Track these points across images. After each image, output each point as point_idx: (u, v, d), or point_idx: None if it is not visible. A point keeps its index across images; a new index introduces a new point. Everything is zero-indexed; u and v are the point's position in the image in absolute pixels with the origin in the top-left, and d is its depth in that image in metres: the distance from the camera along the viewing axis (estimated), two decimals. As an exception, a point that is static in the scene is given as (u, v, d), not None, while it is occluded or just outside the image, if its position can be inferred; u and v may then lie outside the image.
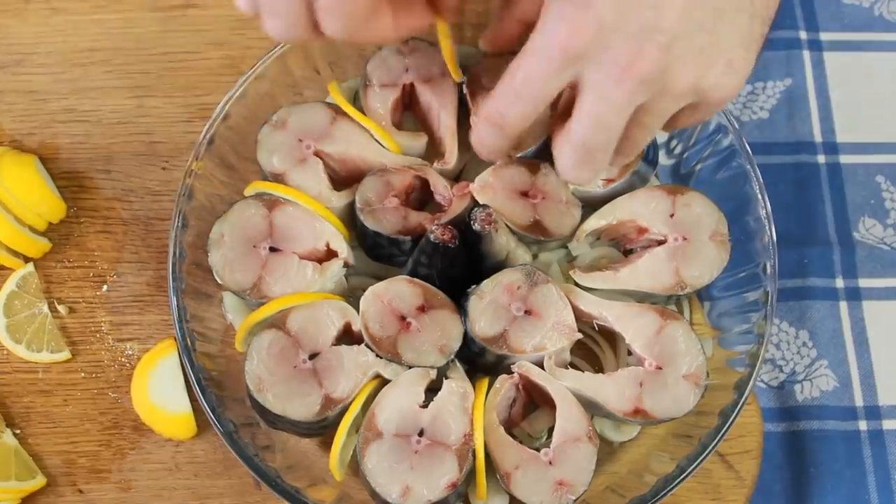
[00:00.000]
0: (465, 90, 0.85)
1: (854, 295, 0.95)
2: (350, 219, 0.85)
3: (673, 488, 0.77)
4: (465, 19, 0.92)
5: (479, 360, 0.81)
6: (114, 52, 0.98)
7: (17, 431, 0.88)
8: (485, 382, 0.80)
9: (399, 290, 0.80)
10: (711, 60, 0.67)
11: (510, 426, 0.82)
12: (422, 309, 0.80)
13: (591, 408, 0.80)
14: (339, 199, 0.85)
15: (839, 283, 0.96)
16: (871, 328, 0.94)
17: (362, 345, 0.79)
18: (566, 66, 0.66)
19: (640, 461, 0.83)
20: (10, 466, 0.85)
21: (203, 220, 0.84)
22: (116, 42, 0.99)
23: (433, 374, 0.79)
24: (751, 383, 0.79)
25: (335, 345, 0.79)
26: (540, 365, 0.80)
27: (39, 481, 0.86)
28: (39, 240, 0.92)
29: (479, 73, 0.87)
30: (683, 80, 0.66)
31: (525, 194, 0.84)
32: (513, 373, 0.80)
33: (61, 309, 0.91)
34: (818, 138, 1.01)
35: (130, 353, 0.90)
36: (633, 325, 0.81)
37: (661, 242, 0.83)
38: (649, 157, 0.86)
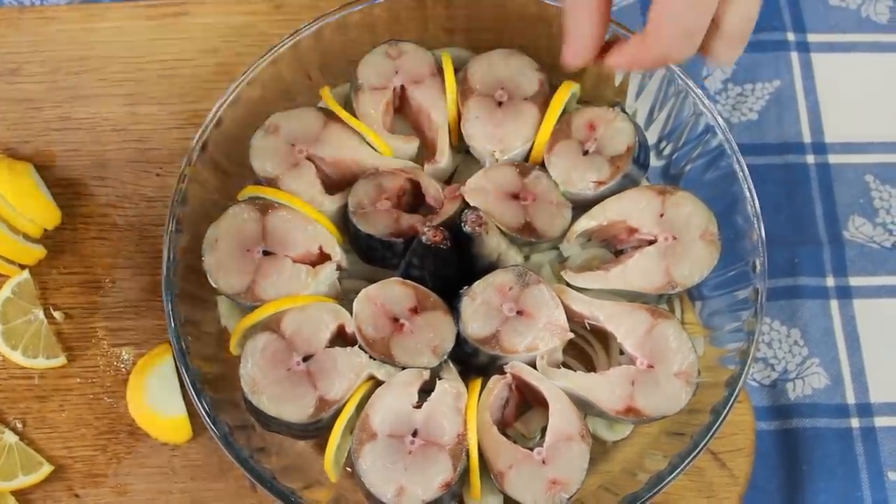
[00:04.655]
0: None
1: (845, 293, 0.96)
2: (343, 222, 0.85)
3: (666, 485, 0.78)
4: (454, 24, 0.93)
5: (472, 361, 0.82)
6: (107, 60, 0.99)
7: (19, 426, 0.88)
8: (478, 383, 0.81)
9: (392, 292, 0.81)
10: None
11: (504, 426, 0.82)
12: (415, 310, 0.81)
13: (584, 407, 0.81)
14: (332, 203, 0.85)
15: (830, 281, 0.96)
16: (862, 326, 0.95)
17: (356, 346, 0.80)
18: None
19: (633, 459, 0.84)
20: (15, 465, 0.86)
21: (197, 225, 0.84)
22: (109, 50, 0.99)
23: (426, 374, 0.79)
24: (741, 380, 0.80)
25: (329, 347, 0.80)
26: (532, 365, 0.81)
27: (46, 469, 0.87)
28: (34, 247, 0.92)
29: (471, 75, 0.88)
30: None
31: (516, 196, 0.85)
32: (506, 373, 0.80)
33: (57, 315, 0.91)
34: (807, 139, 1.01)
35: (126, 357, 0.90)
36: (624, 323, 0.81)
37: (651, 242, 0.84)
38: (640, 160, 0.87)
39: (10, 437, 0.88)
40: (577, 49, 0.75)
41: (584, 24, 0.74)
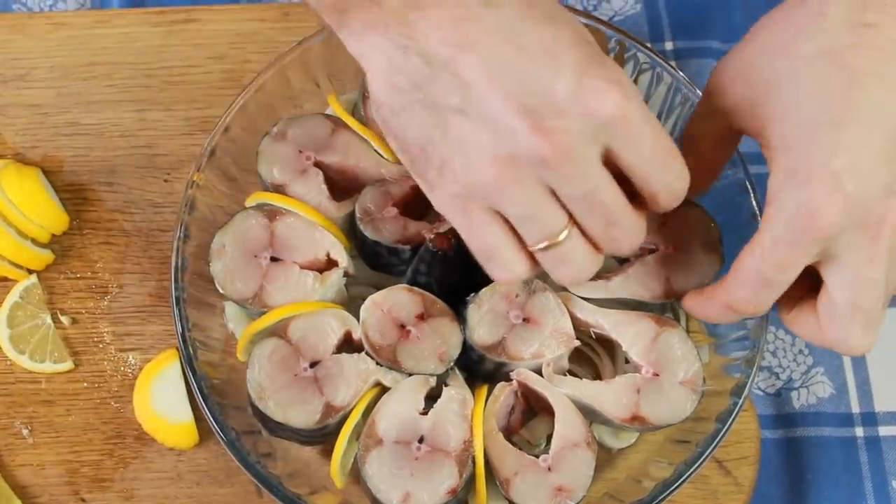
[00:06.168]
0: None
1: (849, 302, 0.96)
2: (350, 229, 0.86)
3: (671, 493, 0.78)
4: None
5: (478, 368, 0.82)
6: (115, 67, 0.99)
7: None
8: (484, 390, 0.81)
9: (398, 299, 0.81)
10: None
11: (509, 433, 0.82)
12: (421, 317, 0.81)
13: (590, 414, 0.81)
14: (339, 210, 0.85)
15: (834, 290, 0.96)
16: (867, 335, 0.95)
17: (362, 353, 0.80)
18: (819, 245, 0.65)
19: (638, 467, 0.84)
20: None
21: (205, 230, 0.85)
22: (118, 56, 1.00)
23: (433, 381, 0.80)
24: (747, 388, 0.80)
25: (336, 353, 0.80)
26: (538, 372, 0.81)
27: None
28: (42, 252, 0.93)
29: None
30: None
31: (523, 204, 0.85)
32: (511, 380, 0.81)
33: (64, 320, 0.92)
34: (812, 147, 1.01)
35: (133, 362, 0.91)
36: (629, 332, 0.81)
37: (652, 251, 0.84)
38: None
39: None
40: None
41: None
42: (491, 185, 0.63)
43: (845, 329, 0.68)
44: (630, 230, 0.66)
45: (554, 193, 0.63)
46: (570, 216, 0.65)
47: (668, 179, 0.66)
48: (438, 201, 0.67)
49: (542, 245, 0.65)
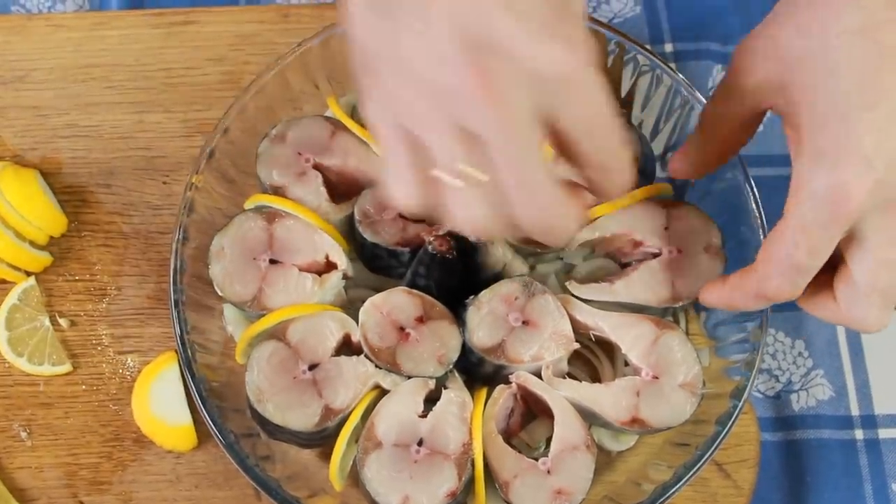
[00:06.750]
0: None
1: (849, 305, 0.96)
2: (349, 231, 0.86)
3: (670, 496, 0.78)
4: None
5: (477, 371, 0.82)
6: (114, 68, 0.99)
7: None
8: (483, 392, 0.81)
9: (398, 302, 0.81)
10: None
11: (509, 436, 0.82)
12: (420, 320, 0.81)
13: (589, 417, 0.81)
14: (338, 212, 0.85)
15: (834, 293, 0.96)
16: (867, 338, 0.95)
17: (362, 355, 0.80)
18: (847, 226, 0.65)
19: (637, 470, 0.84)
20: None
21: (203, 233, 0.85)
22: (117, 58, 0.99)
23: (432, 384, 0.80)
24: (747, 391, 0.80)
25: (335, 356, 0.80)
26: (538, 375, 0.81)
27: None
28: (40, 254, 0.92)
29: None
30: None
31: (522, 206, 0.85)
32: (511, 383, 0.80)
33: (62, 322, 0.92)
34: (812, 150, 1.01)
35: (131, 365, 0.90)
36: (629, 335, 0.81)
37: (655, 255, 0.84)
38: (646, 171, 0.87)
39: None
40: (683, 164, 0.76)
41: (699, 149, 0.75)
42: (415, 108, 0.60)
43: (864, 309, 0.68)
44: (544, 203, 0.61)
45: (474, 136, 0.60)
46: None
47: (605, 154, 0.63)
48: (368, 108, 0.64)
49: (444, 172, 0.61)
